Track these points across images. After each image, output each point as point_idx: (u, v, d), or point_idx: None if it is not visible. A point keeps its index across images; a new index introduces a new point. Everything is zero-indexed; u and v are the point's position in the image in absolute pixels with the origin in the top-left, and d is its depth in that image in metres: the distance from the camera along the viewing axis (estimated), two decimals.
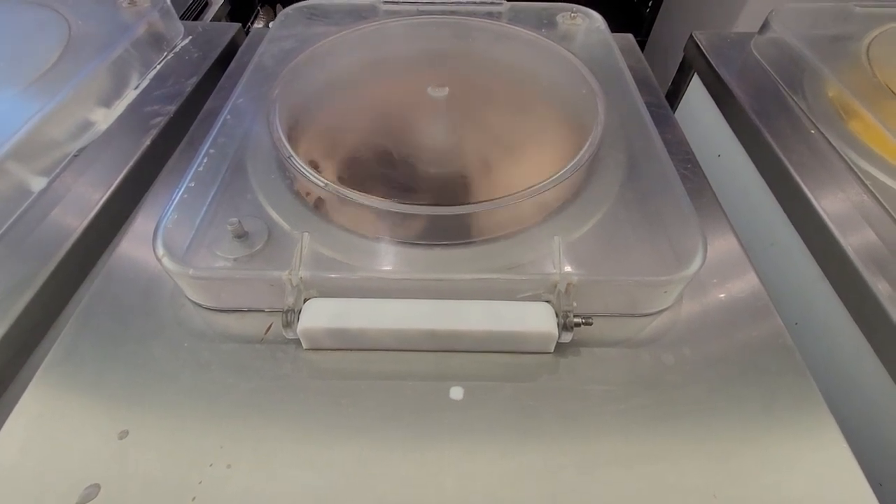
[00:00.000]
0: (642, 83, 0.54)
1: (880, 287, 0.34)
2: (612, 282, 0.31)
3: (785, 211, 0.45)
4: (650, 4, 2.23)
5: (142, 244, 0.37)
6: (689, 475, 0.26)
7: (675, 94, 0.68)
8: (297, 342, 0.31)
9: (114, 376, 0.30)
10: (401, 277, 0.32)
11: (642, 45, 2.42)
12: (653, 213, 0.36)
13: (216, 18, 1.30)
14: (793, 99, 0.51)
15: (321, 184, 0.34)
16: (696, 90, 0.62)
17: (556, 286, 0.30)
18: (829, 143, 0.46)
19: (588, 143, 0.38)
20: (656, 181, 0.37)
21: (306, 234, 0.33)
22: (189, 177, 0.36)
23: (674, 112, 0.67)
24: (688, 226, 0.33)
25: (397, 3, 0.56)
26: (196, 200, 0.36)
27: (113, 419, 0.28)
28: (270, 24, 0.54)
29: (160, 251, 0.31)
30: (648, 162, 0.39)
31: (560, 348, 0.31)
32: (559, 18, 0.56)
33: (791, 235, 0.44)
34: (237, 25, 0.60)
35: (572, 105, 0.45)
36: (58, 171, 0.42)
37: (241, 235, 0.35)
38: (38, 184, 0.41)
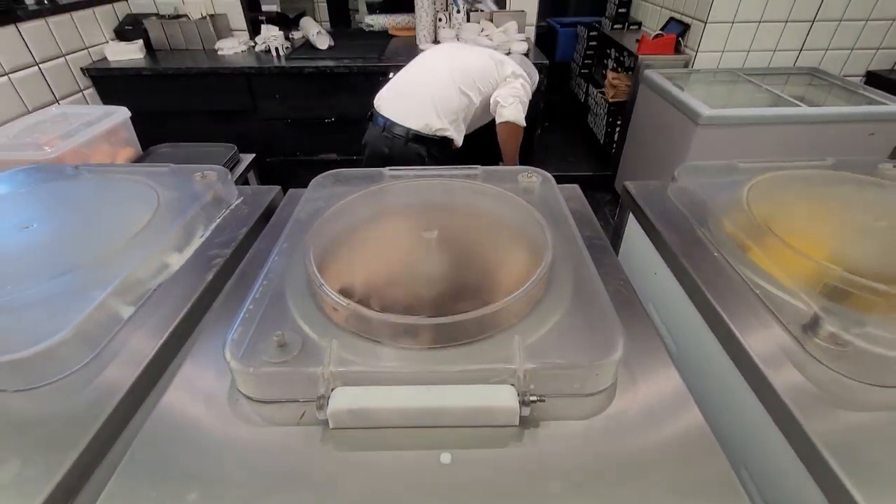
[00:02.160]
0: (584, 222, 0.70)
1: (762, 359, 0.45)
2: (556, 368, 0.42)
3: (701, 314, 0.58)
4: (613, 148, 2.65)
5: (209, 351, 0.49)
6: None
7: (620, 228, 0.85)
8: (326, 423, 0.41)
9: (186, 459, 0.39)
10: (403, 371, 0.43)
11: (612, 177, 2.78)
12: (586, 318, 0.49)
13: (245, 171, 1.57)
14: (700, 231, 0.67)
15: (345, 304, 0.47)
16: (632, 225, 0.79)
17: (515, 373, 0.41)
18: (729, 263, 0.61)
19: (540, 269, 0.52)
20: (590, 295, 0.51)
21: (335, 340, 0.45)
22: (248, 301, 0.49)
23: (621, 241, 0.84)
24: (611, 326, 0.45)
25: (398, 170, 0.76)
26: (250, 319, 0.48)
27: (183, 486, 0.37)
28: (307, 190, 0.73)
29: (228, 355, 0.43)
30: (584, 282, 0.53)
31: (524, 422, 0.41)
32: (519, 177, 0.75)
33: (707, 333, 0.56)
34: (277, 188, 0.80)
35: (529, 239, 0.60)
36: (141, 302, 0.55)
37: (283, 345, 0.46)
38: (127, 312, 0.53)
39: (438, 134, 1.35)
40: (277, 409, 0.43)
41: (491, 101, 1.41)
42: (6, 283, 0.51)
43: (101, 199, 0.70)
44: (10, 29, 1.79)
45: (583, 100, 3.62)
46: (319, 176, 0.74)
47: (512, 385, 0.41)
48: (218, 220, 0.70)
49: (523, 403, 0.40)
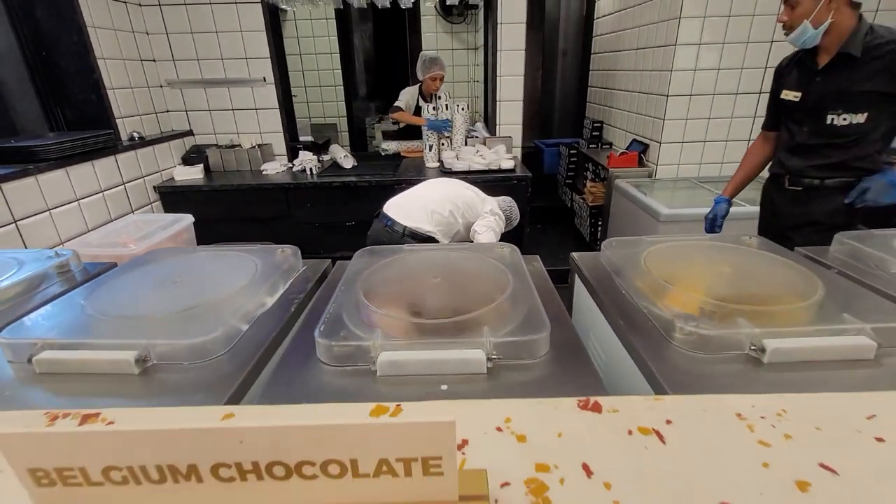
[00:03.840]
0: (541, 280, 1.03)
1: (641, 345, 0.75)
2: (506, 339, 0.72)
3: (614, 330, 0.88)
4: (597, 244, 3.06)
5: (295, 347, 0.79)
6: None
7: (571, 282, 1.17)
8: (374, 373, 0.70)
9: (288, 391, 0.68)
10: (420, 342, 0.73)
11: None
12: (528, 321, 0.79)
13: None
14: (617, 281, 1.00)
15: (382, 312, 0.79)
16: (578, 280, 1.12)
17: (483, 343, 0.71)
18: (632, 298, 0.92)
19: (503, 296, 0.84)
20: (531, 308, 0.82)
21: (378, 330, 0.76)
22: (323, 319, 0.81)
23: (573, 291, 1.15)
24: (542, 321, 0.76)
25: (414, 246, 1.11)
26: (328, 327, 0.79)
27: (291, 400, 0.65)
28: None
29: (317, 335, 0.73)
30: (529, 304, 0.84)
31: (490, 371, 0.70)
32: (495, 249, 1.09)
33: (616, 340, 0.86)
34: (328, 261, 1.15)
35: (497, 281, 0.93)
36: (251, 322, 0.86)
37: (345, 336, 0.77)
38: (244, 327, 0.85)
39: (428, 234, 1.77)
40: (340, 371, 0.73)
41: (471, 230, 1.86)
42: (182, 306, 0.83)
43: (221, 266, 1.05)
44: (111, 158, 2.31)
45: (569, 205, 4.14)
46: (361, 250, 1.09)
47: (481, 350, 0.71)
48: (292, 279, 1.04)
49: (488, 360, 0.69)
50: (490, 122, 3.31)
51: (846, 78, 1.45)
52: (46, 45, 2.27)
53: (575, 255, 1.15)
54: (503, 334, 0.75)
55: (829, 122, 1.50)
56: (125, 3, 2.58)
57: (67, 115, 2.43)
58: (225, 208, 2.69)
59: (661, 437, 0.50)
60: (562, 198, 4.36)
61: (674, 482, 0.44)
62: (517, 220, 2.07)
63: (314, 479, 0.37)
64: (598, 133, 3.87)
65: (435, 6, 4.38)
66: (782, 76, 1.64)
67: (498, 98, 3.07)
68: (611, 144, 3.76)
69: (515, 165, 2.81)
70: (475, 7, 4.14)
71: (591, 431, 0.51)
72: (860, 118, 1.46)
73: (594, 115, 4.08)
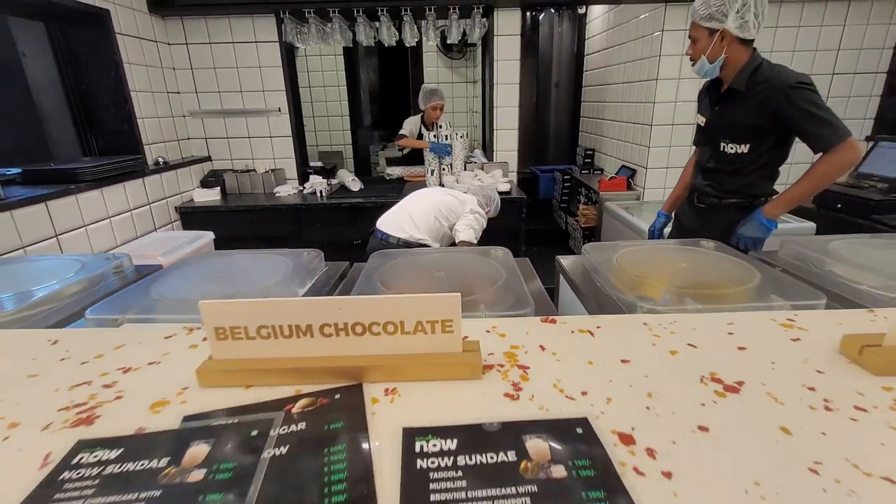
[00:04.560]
0: (530, 276, 1.21)
1: None
2: (500, 315, 0.89)
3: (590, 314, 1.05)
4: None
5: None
6: None
7: (557, 281, 1.35)
8: None
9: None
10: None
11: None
12: (517, 301, 0.96)
13: None
14: (598, 282, 1.17)
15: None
16: (563, 281, 1.29)
17: (482, 318, 0.88)
18: (615, 300, 1.09)
19: (497, 283, 1.01)
20: (519, 293, 0.99)
21: None
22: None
23: (558, 288, 1.33)
24: (528, 302, 0.93)
25: (422, 249, 1.29)
26: None
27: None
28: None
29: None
30: (517, 290, 1.01)
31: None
32: (490, 251, 1.27)
33: None
34: (347, 263, 1.32)
35: (491, 276, 1.10)
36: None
37: None
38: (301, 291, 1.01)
39: (420, 241, 1.98)
40: None
41: (453, 229, 2.09)
42: (230, 294, 1.01)
43: (257, 265, 1.23)
44: (139, 181, 2.52)
45: (564, 227, 4.34)
46: (374, 252, 1.27)
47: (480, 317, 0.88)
48: (317, 276, 1.21)
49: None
50: (488, 149, 3.54)
51: (733, 110, 1.61)
52: (86, 79, 2.52)
53: (560, 258, 1.32)
54: (496, 311, 0.92)
55: (721, 148, 1.67)
56: (156, 42, 2.84)
57: (100, 141, 2.65)
58: (240, 227, 2.88)
59: (591, 334, 0.74)
60: (557, 221, 4.57)
61: (596, 352, 0.69)
62: (499, 208, 2.34)
63: (378, 336, 0.60)
64: (590, 160, 4.11)
65: (436, 44, 4.70)
66: (699, 100, 1.85)
67: (495, 127, 3.32)
68: (602, 170, 4.00)
69: (511, 188, 3.02)
70: (474, 45, 4.46)
71: (548, 332, 0.75)
72: (743, 148, 1.61)
73: (586, 144, 4.33)
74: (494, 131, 3.33)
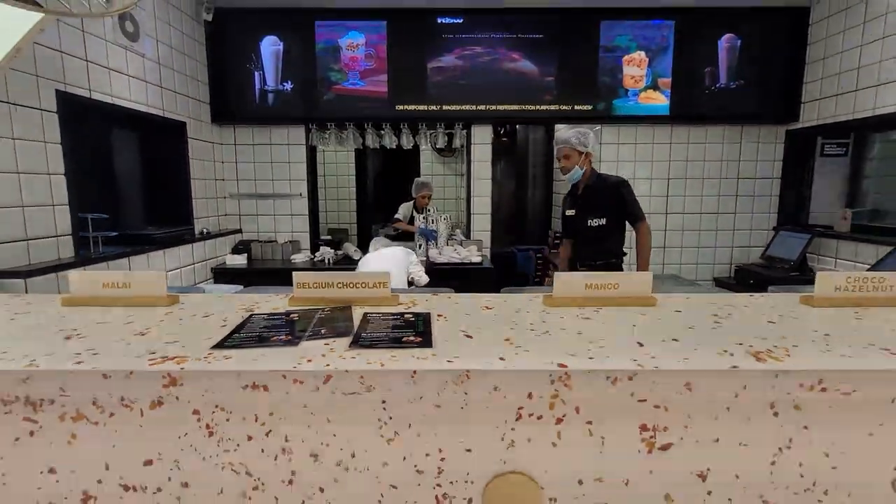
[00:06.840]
0: None
1: None
2: None
3: None
4: None
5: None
6: None
7: None
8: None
9: None
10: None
11: None
12: None
13: None
14: None
15: None
16: None
17: None
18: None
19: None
20: None
21: None
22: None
23: None
24: None
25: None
26: None
27: None
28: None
29: None
30: None
31: None
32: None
33: None
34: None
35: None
36: None
37: None
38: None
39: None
40: None
41: (408, 273, 2.82)
42: None
43: None
44: (189, 246, 3.25)
45: None
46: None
47: None
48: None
49: None
50: (466, 228, 4.31)
51: (591, 198, 2.52)
52: (160, 168, 3.34)
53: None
54: None
55: (589, 224, 2.52)
56: (213, 143, 3.73)
57: (162, 215, 3.42)
58: (262, 285, 3.55)
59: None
60: None
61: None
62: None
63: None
64: (558, 241, 4.87)
65: (430, 147, 5.70)
66: (564, 203, 2.73)
67: (472, 212, 4.11)
68: None
69: (483, 260, 3.72)
70: (461, 147, 5.44)
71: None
72: (603, 221, 2.49)
73: (556, 227, 5.12)
74: (472, 215, 4.11)
